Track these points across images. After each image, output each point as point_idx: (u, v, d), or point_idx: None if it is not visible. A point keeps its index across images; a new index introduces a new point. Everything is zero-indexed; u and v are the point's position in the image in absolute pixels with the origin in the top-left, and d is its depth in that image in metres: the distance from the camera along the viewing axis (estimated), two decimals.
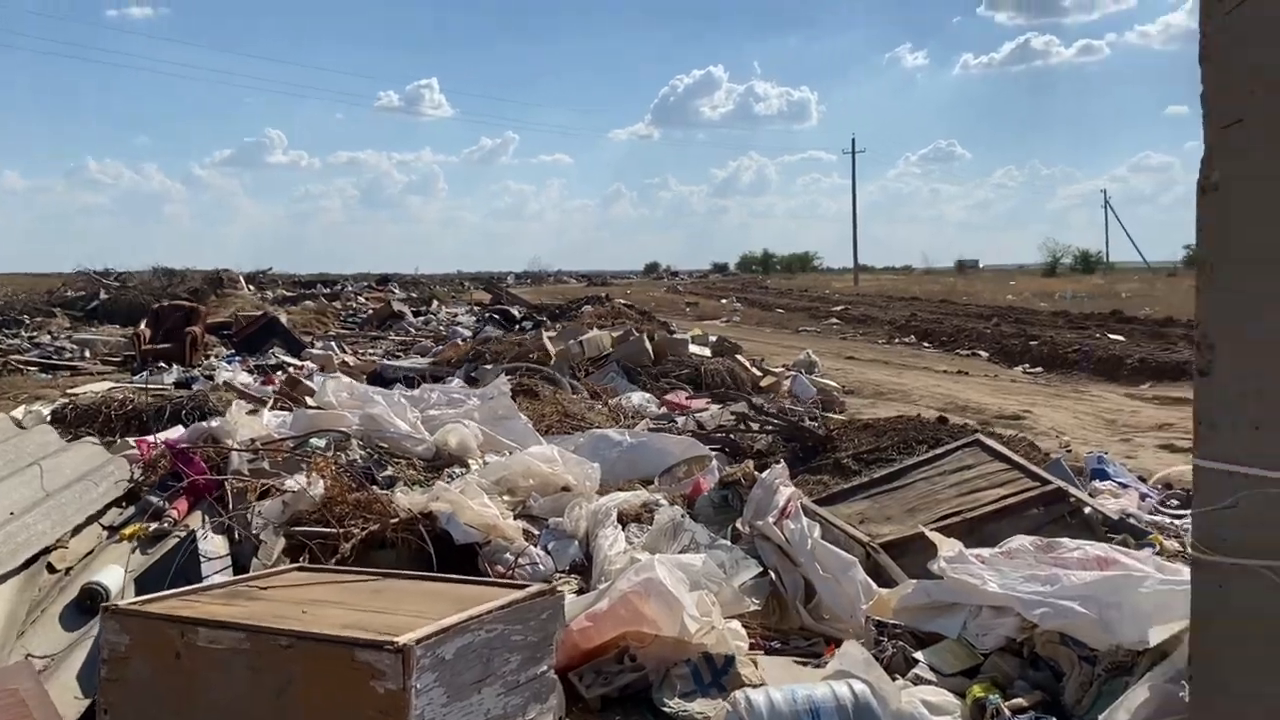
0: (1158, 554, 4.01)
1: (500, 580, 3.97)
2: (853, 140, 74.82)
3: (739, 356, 11.74)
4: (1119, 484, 5.52)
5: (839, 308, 31.86)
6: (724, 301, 38.80)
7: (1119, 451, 8.53)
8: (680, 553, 4.49)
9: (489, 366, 10.18)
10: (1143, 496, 5.43)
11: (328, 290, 33.16)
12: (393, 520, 4.55)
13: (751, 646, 3.95)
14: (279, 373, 11.67)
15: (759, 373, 11.28)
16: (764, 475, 4.95)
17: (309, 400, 6.95)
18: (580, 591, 4.30)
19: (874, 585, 3.98)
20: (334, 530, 4.42)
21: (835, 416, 9.45)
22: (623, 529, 4.76)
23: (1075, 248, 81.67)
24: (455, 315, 22.17)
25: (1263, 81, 2.23)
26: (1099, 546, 3.43)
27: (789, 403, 9.93)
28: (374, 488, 4.89)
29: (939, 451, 5.18)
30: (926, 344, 20.72)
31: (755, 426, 7.00)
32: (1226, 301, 2.32)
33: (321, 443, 5.40)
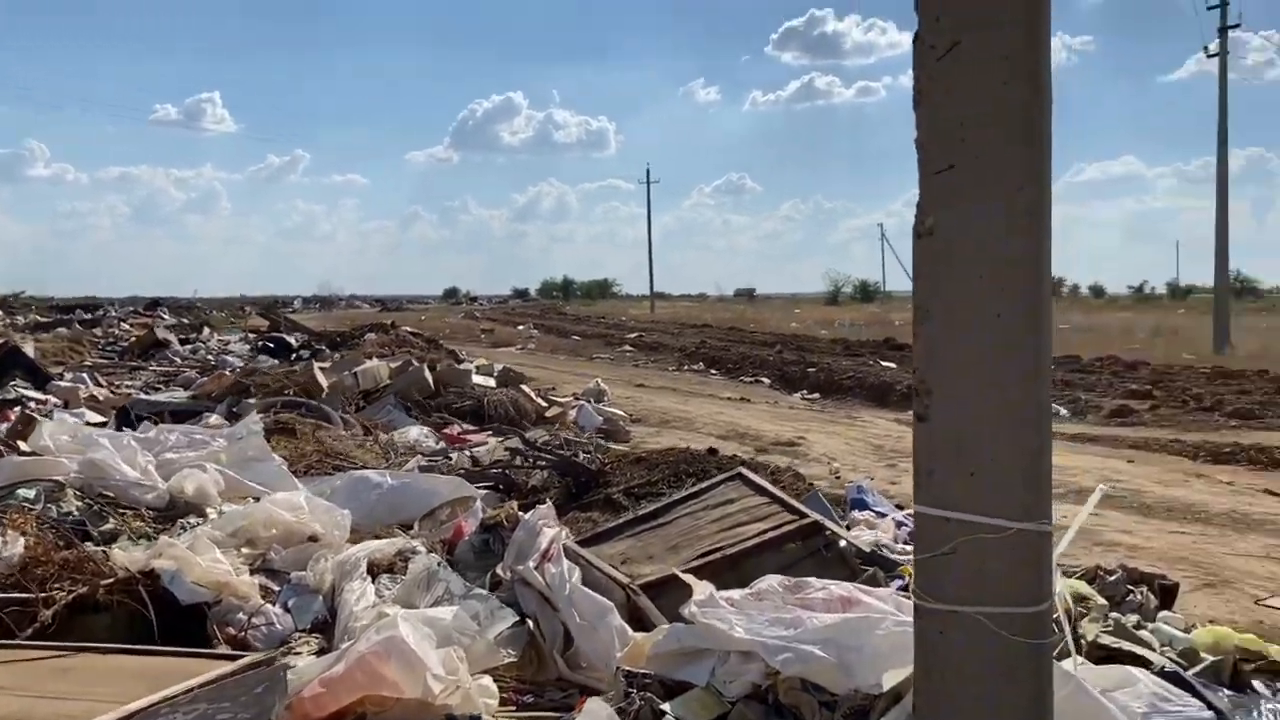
0: (905, 587, 4.07)
1: (216, 652, 3.60)
2: (647, 170, 76.47)
3: (524, 387, 11.54)
4: (877, 513, 5.66)
5: (633, 335, 32.24)
6: (521, 328, 38.54)
7: (885, 477, 8.86)
8: (434, 604, 4.24)
9: (253, 400, 9.54)
10: (899, 524, 5.58)
11: (88, 316, 30.61)
12: (106, 581, 4.07)
13: (504, 701, 3.74)
14: (15, 408, 10.55)
15: (544, 403, 11.11)
16: (527, 517, 4.76)
17: (22, 445, 6.24)
18: (322, 651, 3.97)
19: (629, 631, 3.85)
20: (32, 595, 3.90)
21: (616, 447, 9.39)
22: (373, 581, 4.46)
23: (855, 278, 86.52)
24: (227, 343, 20.86)
25: (972, 128, 2.25)
26: (844, 586, 3.42)
27: (572, 433, 9.81)
28: (88, 544, 4.37)
29: (702, 486, 5.14)
30: (714, 371, 21.18)
31: (529, 462, 6.81)
32: (941, 347, 2.32)
33: (31, 493, 4.80)
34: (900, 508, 6.26)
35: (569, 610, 4.09)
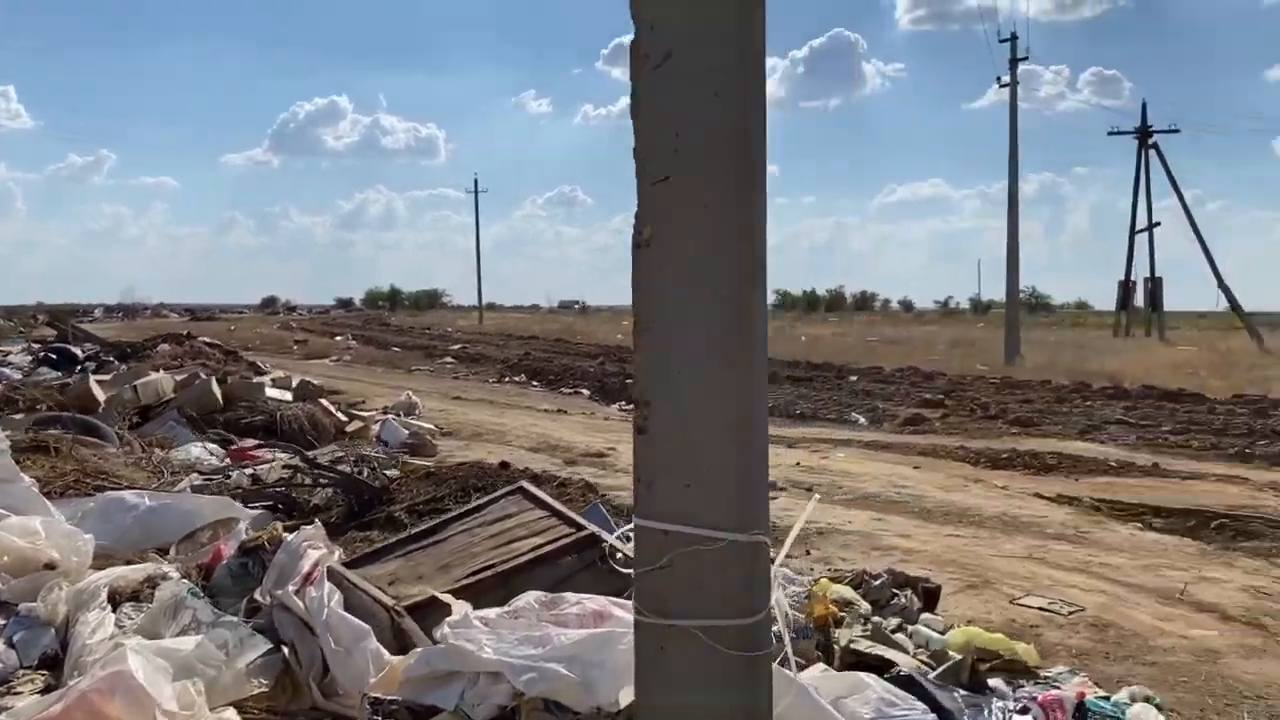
0: None
1: None
2: (475, 180, 75.68)
3: (323, 400, 11.10)
4: None
5: (457, 346, 31.76)
6: (338, 339, 37.32)
7: None
8: (180, 633, 3.97)
9: (19, 416, 8.80)
10: None
11: None
12: None
13: None
14: None
15: (344, 418, 10.72)
16: (290, 538, 4.54)
17: None
18: (48, 689, 3.65)
19: (386, 655, 3.70)
20: None
21: (419, 462, 9.15)
22: (114, 610, 4.14)
23: None
24: (7, 354, 19.25)
25: (686, 139, 2.24)
26: (598, 600, 3.38)
27: (372, 448, 9.50)
28: None
29: (481, 501, 5.02)
30: (535, 383, 21.07)
31: (310, 480, 6.52)
32: (659, 358, 2.30)
33: None
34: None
35: (325, 635, 3.91)
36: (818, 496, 3.16)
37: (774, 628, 2.42)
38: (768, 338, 2.35)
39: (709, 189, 2.21)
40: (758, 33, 2.25)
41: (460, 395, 17.80)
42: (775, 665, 2.59)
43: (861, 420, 14.26)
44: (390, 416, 11.75)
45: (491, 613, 3.47)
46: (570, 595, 3.45)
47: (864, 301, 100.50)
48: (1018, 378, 20.10)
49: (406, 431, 11.00)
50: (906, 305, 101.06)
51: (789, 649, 2.63)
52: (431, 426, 12.04)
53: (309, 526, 4.72)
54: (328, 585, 4.16)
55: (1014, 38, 30.37)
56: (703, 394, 2.25)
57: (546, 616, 3.34)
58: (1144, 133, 41.97)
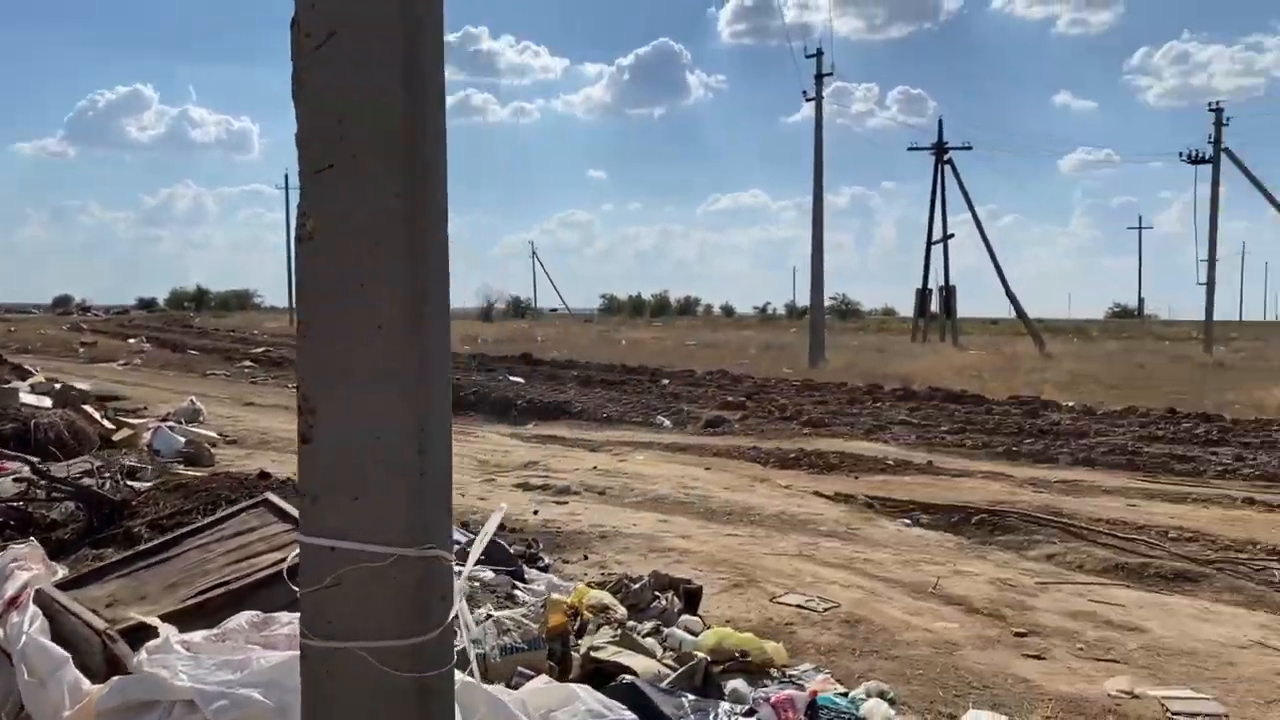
0: None
1: None
2: (285, 176, 72.53)
3: (87, 407, 10.32)
4: None
5: (259, 349, 30.39)
6: (131, 341, 35.12)
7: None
8: None
9: None
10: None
11: None
12: None
13: None
14: None
15: (111, 425, 9.99)
16: None
17: None
18: None
19: (85, 686, 3.38)
20: None
21: (189, 473, 8.61)
22: None
23: (509, 293, 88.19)
24: None
25: (351, 125, 2.10)
26: None
27: (140, 459, 8.88)
28: None
29: (221, 514, 4.72)
30: None
31: (44, 493, 6.00)
32: (324, 360, 2.15)
33: None
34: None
35: (20, 665, 3.55)
36: (504, 506, 3.06)
37: (459, 642, 2.31)
38: (449, 338, 2.24)
39: (375, 180, 2.07)
40: (431, 12, 2.13)
41: (254, 401, 17.02)
42: (468, 680, 2.48)
43: (666, 423, 14.41)
44: (165, 424, 11.05)
45: (198, 635, 3.22)
46: (284, 615, 3.24)
47: (688, 306, 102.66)
48: (818, 380, 20.84)
49: (183, 440, 10.37)
50: (728, 310, 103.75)
51: (474, 664, 2.52)
52: (212, 434, 11.42)
53: (21, 545, 4.32)
54: (31, 609, 3.79)
55: (819, 54, 31.64)
56: (370, 400, 2.10)
57: (256, 638, 3.13)
58: (940, 149, 44.41)
